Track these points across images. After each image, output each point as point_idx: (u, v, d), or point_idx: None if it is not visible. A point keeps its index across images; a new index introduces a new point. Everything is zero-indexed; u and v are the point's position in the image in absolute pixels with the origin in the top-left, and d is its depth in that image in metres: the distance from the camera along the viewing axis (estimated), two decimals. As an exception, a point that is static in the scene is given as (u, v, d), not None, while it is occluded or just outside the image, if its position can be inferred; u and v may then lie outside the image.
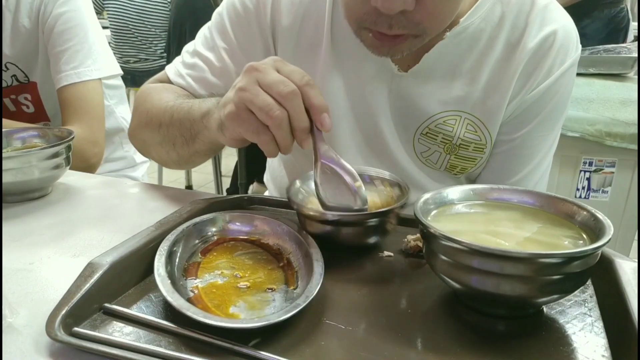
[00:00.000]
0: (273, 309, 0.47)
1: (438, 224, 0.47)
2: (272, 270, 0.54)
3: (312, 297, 0.46)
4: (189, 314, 0.43)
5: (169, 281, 0.48)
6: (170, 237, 0.55)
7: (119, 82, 1.30)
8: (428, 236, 0.49)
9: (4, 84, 1.12)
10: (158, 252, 0.53)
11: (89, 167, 1.12)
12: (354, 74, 0.77)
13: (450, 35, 0.71)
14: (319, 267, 0.51)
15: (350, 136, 0.80)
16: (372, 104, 0.77)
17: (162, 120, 0.75)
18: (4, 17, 1.05)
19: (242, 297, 0.49)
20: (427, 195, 0.54)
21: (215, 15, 0.85)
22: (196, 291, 0.50)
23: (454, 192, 0.56)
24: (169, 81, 0.86)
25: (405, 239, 0.61)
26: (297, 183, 0.65)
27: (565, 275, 0.44)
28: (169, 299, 0.45)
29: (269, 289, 0.51)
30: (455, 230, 0.49)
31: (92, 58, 1.10)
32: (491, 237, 0.49)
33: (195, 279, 0.52)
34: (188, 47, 0.87)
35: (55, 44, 1.07)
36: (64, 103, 1.09)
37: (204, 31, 0.86)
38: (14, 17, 1.06)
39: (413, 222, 0.59)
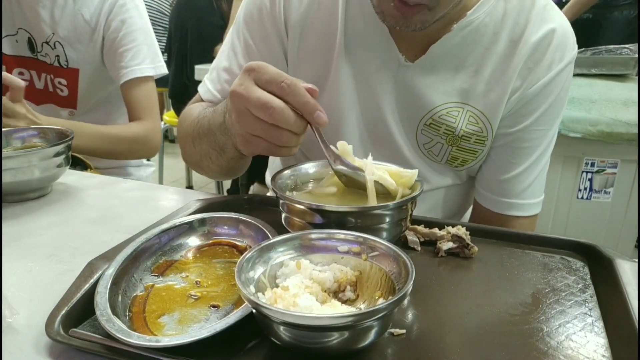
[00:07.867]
0: (197, 328, 0.45)
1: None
2: (233, 286, 0.51)
3: (211, 333, 0.42)
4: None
5: (111, 280, 0.49)
6: (154, 231, 0.56)
7: (154, 84, 1.35)
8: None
9: (47, 60, 1.26)
10: (133, 242, 0.54)
11: (151, 153, 1.32)
12: (363, 64, 0.78)
13: (457, 28, 0.73)
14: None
15: (354, 125, 0.81)
16: (378, 93, 0.79)
17: (194, 138, 0.79)
18: (65, 2, 1.20)
19: (182, 307, 0.48)
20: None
21: (235, 22, 0.86)
22: (150, 289, 0.51)
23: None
24: (202, 99, 0.89)
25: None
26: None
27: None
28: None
29: (213, 305, 0.48)
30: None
31: (150, 58, 1.26)
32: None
33: (158, 277, 0.53)
34: (215, 63, 0.89)
35: (121, 44, 1.23)
36: (132, 99, 1.26)
37: (226, 42, 0.88)
38: (75, 5, 1.21)
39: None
